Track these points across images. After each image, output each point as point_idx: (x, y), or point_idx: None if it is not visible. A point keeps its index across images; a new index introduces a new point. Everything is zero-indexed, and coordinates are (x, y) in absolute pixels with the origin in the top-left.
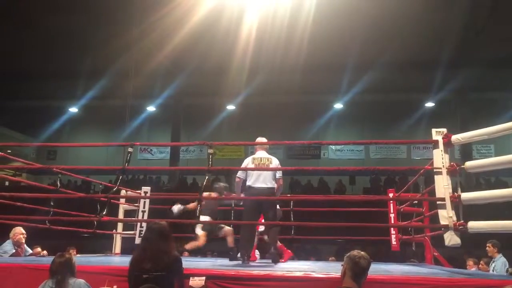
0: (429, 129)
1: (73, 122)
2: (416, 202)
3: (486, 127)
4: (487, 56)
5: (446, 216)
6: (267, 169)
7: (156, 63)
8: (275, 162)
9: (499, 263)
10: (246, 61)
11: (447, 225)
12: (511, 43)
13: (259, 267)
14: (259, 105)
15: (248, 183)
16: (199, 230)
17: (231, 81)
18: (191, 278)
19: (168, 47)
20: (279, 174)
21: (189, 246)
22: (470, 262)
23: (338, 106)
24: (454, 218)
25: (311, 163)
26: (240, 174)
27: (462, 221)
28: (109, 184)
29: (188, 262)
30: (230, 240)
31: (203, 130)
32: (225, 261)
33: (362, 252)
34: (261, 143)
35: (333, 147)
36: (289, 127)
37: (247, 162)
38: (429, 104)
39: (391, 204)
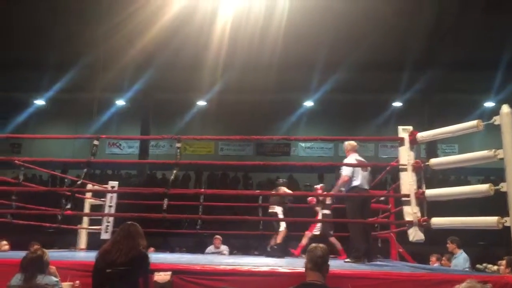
0: (397, 128)
1: (39, 115)
2: (383, 199)
3: None
4: (453, 59)
5: (411, 212)
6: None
7: (127, 57)
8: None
9: (460, 259)
10: (219, 58)
11: (412, 221)
12: (475, 47)
13: (227, 262)
14: (230, 102)
15: (355, 184)
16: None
17: (203, 78)
18: (156, 273)
19: (141, 42)
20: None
21: (279, 239)
22: (433, 258)
23: (309, 104)
24: (419, 214)
25: (281, 160)
26: (349, 173)
27: (426, 217)
28: (75, 179)
29: (155, 256)
30: (280, 237)
31: (173, 125)
32: (192, 256)
33: (320, 244)
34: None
35: (303, 144)
36: (260, 124)
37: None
38: (397, 104)
39: None
